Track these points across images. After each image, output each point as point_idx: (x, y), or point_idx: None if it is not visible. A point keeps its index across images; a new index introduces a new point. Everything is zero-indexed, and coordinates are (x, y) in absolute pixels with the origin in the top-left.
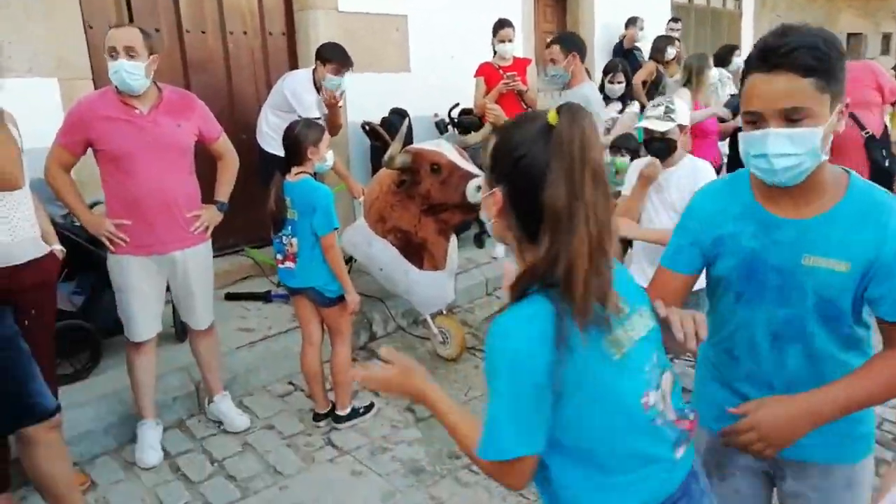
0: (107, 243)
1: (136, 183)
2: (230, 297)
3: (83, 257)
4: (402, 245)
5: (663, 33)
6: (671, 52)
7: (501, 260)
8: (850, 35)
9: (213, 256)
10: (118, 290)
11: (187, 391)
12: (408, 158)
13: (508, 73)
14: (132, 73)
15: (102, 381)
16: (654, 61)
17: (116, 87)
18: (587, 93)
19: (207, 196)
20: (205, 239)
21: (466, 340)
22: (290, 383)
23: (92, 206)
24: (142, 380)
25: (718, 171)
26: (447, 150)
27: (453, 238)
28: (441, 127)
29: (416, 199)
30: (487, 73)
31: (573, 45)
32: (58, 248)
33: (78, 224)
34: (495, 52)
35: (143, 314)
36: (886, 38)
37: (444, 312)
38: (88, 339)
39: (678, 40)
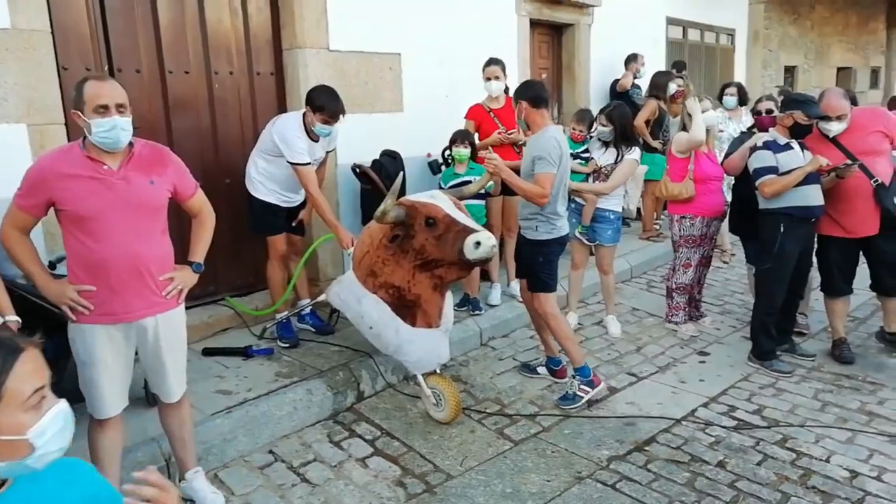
0: (67, 312)
1: (104, 246)
2: (207, 352)
3: (46, 320)
4: (393, 301)
5: (662, 69)
6: (672, 87)
7: (498, 308)
8: (839, 69)
9: (192, 306)
10: (81, 363)
11: (156, 466)
12: (402, 212)
13: (504, 131)
14: (126, 129)
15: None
16: (654, 98)
17: (100, 145)
18: (541, 138)
19: (180, 253)
20: (177, 304)
21: (462, 401)
22: (271, 452)
23: (58, 261)
24: (104, 460)
25: (722, 219)
26: (443, 202)
27: (449, 294)
28: (434, 167)
29: (409, 255)
30: (478, 115)
31: (519, 93)
32: (12, 319)
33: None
34: None
35: (108, 389)
36: (875, 72)
37: (437, 371)
38: None
39: (683, 76)
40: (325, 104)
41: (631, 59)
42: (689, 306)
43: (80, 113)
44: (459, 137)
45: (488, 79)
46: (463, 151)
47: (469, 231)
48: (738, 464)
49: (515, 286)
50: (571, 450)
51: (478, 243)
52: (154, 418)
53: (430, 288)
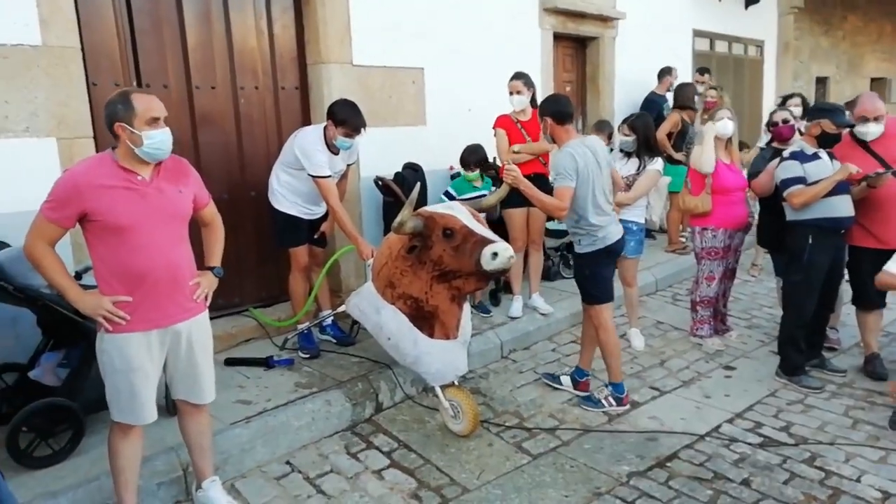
0: (103, 323)
1: (143, 256)
2: (230, 362)
3: (69, 328)
4: (411, 313)
5: (688, 81)
6: (696, 99)
7: (518, 321)
8: (873, 80)
9: (216, 317)
10: (114, 373)
11: (174, 475)
12: (419, 223)
13: (509, 168)
14: (171, 140)
15: (81, 465)
16: (678, 110)
17: (147, 157)
18: (558, 154)
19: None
20: (205, 308)
21: (480, 413)
22: (288, 463)
23: (84, 271)
24: (126, 469)
25: (747, 230)
26: (461, 213)
27: (466, 306)
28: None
29: (427, 266)
30: (506, 125)
31: (543, 109)
32: None
33: None
34: None
35: (147, 396)
36: None
37: (456, 383)
38: (71, 418)
39: (717, 87)
40: (346, 118)
41: (665, 73)
42: (715, 320)
43: (126, 125)
44: (471, 159)
45: (511, 93)
46: (470, 175)
47: (486, 242)
48: (763, 482)
49: (538, 299)
50: (591, 465)
51: (495, 254)
52: (172, 428)
53: (447, 299)
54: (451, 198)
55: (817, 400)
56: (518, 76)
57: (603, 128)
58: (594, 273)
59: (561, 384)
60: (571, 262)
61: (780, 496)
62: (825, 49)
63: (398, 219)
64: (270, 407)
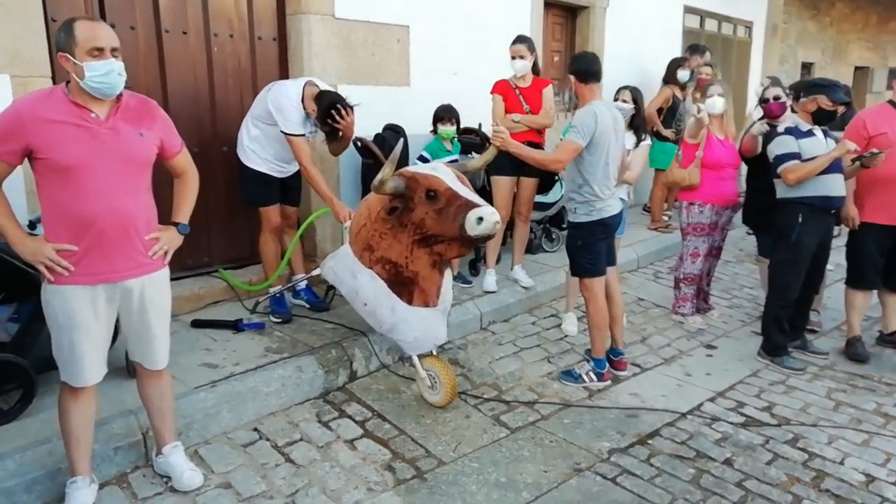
0: (45, 272)
1: (89, 200)
2: (197, 324)
3: (20, 280)
4: (390, 278)
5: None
6: (682, 75)
7: (500, 292)
8: (857, 68)
9: (183, 276)
10: (58, 328)
11: (132, 440)
12: (401, 183)
13: (497, 130)
14: (122, 75)
15: (31, 426)
16: (668, 86)
17: (94, 91)
18: (580, 112)
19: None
20: (163, 265)
21: (458, 384)
22: (256, 430)
23: (39, 221)
24: (77, 431)
25: (735, 209)
26: (445, 175)
27: (448, 273)
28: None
29: (408, 229)
30: (504, 91)
31: (570, 68)
32: None
33: None
34: None
35: (89, 356)
36: (893, 72)
37: (434, 353)
38: (21, 376)
39: (711, 65)
40: (325, 107)
41: (694, 51)
42: (697, 298)
43: (69, 55)
44: (445, 115)
45: (514, 57)
46: (448, 129)
47: (472, 205)
48: (746, 462)
49: (520, 271)
50: (570, 440)
51: (480, 219)
52: (132, 390)
53: (428, 265)
54: (425, 161)
55: (799, 381)
56: (521, 40)
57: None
58: (587, 245)
59: (585, 381)
60: (553, 236)
61: (764, 476)
62: (812, 34)
63: (379, 177)
64: (238, 371)
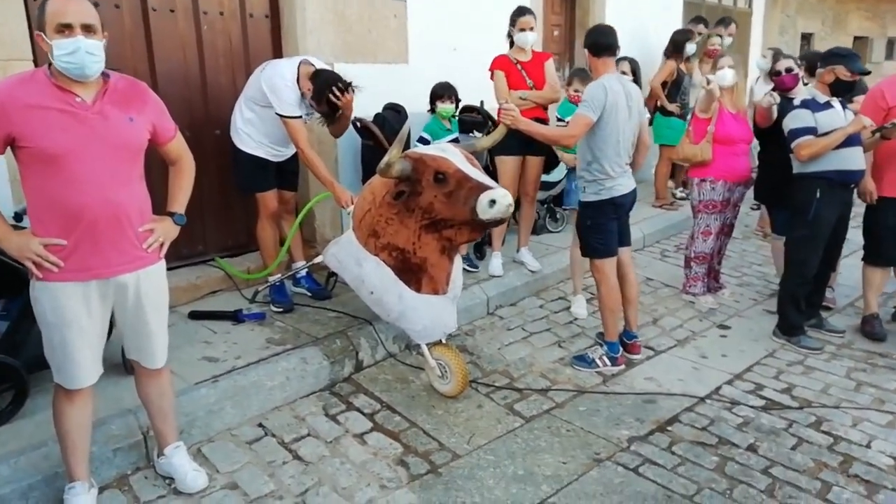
0: (32, 268)
1: (78, 191)
2: (194, 315)
3: (8, 275)
4: (397, 265)
5: (681, 28)
6: (690, 48)
7: (506, 275)
8: (855, 38)
9: (178, 266)
10: (48, 327)
11: (133, 440)
12: (408, 166)
13: (506, 107)
14: (94, 54)
15: (26, 428)
16: (672, 59)
17: (64, 71)
18: (590, 86)
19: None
20: (158, 258)
21: (469, 373)
22: (261, 426)
23: (24, 213)
24: (73, 435)
25: (748, 185)
26: (454, 156)
27: (458, 258)
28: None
29: (415, 213)
30: (505, 66)
31: (585, 42)
32: None
33: None
34: (512, 44)
35: (82, 355)
36: (892, 42)
37: (443, 341)
38: (12, 376)
39: (719, 35)
40: (320, 87)
41: (721, 23)
42: (708, 277)
43: (43, 34)
44: (444, 93)
45: (522, 29)
46: (447, 107)
47: (483, 188)
48: (770, 448)
49: (526, 253)
50: (588, 428)
51: (493, 201)
52: (130, 387)
53: (437, 251)
54: (425, 143)
55: (817, 361)
56: (527, 11)
57: (584, 76)
58: (597, 224)
59: (598, 366)
60: (558, 216)
61: (790, 463)
62: (812, 4)
63: (385, 160)
64: (240, 365)
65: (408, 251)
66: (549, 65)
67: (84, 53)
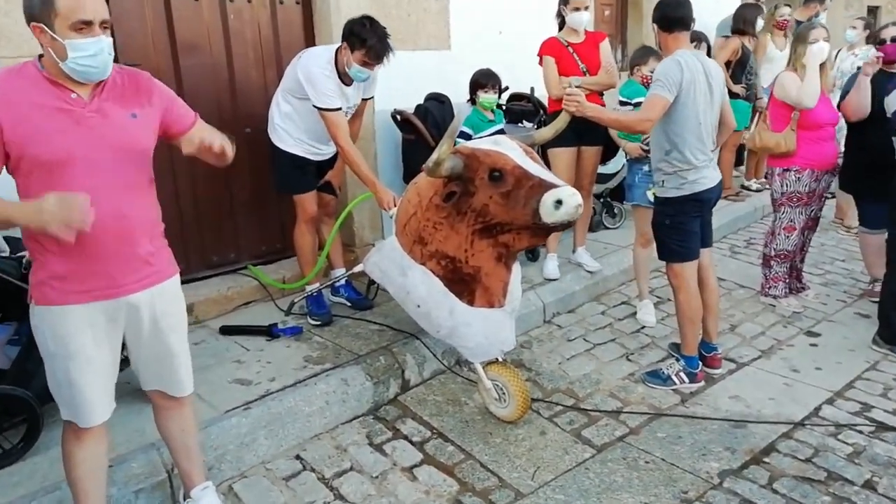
0: (65, 236)
1: None
2: (226, 330)
3: (15, 297)
4: (447, 275)
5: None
6: (760, 23)
7: (563, 279)
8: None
9: (208, 276)
10: (50, 357)
11: (156, 479)
12: (459, 163)
13: (570, 92)
14: (111, 54)
15: (40, 467)
16: (737, 36)
17: (76, 74)
18: (662, 63)
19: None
20: (173, 272)
21: (529, 394)
22: (298, 458)
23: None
24: (86, 481)
25: (835, 173)
26: (511, 150)
27: (516, 267)
28: None
29: (467, 217)
30: (555, 50)
31: (653, 15)
32: None
33: (5, 256)
34: (562, 25)
35: (91, 389)
36: None
37: (500, 359)
38: (23, 408)
39: (788, 5)
40: (368, 40)
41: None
42: (790, 277)
43: (46, 27)
44: (486, 81)
45: (576, 9)
46: (490, 97)
47: (547, 186)
48: (892, 484)
49: (584, 254)
50: (670, 460)
51: (559, 202)
52: (153, 418)
53: (492, 259)
54: (466, 139)
55: None
56: None
57: (648, 54)
58: (676, 224)
59: (675, 383)
60: (615, 211)
61: None
62: None
63: (434, 157)
64: (275, 388)
65: (459, 259)
66: (605, 46)
67: (106, 55)
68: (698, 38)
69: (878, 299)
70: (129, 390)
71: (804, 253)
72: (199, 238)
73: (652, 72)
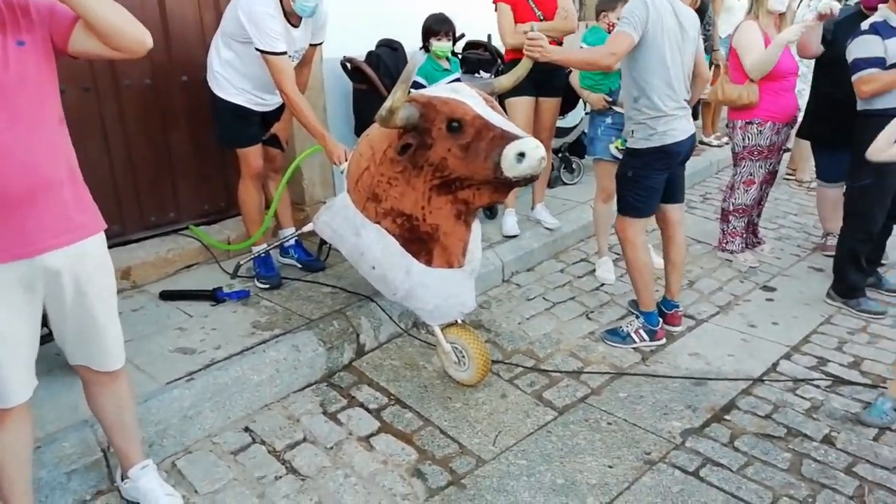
0: None
1: None
2: (166, 295)
3: None
4: (403, 234)
5: None
6: None
7: (520, 237)
8: None
9: (146, 238)
10: None
11: (91, 459)
12: (414, 112)
13: (532, 36)
14: None
15: None
16: None
17: None
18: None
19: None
20: (98, 229)
21: (490, 356)
22: (247, 430)
23: None
24: (9, 467)
25: (794, 124)
26: (470, 98)
27: (476, 225)
28: None
29: (424, 171)
30: None
31: None
32: None
33: None
34: None
35: (7, 367)
36: None
37: (459, 322)
38: None
39: None
40: None
41: None
42: (746, 231)
43: None
44: (440, 28)
45: None
46: (444, 46)
47: (509, 137)
48: (850, 439)
49: (542, 210)
50: (632, 420)
51: (521, 154)
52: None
53: (451, 216)
54: (420, 88)
55: (881, 327)
56: None
57: (615, 2)
58: (638, 177)
59: (635, 341)
60: (574, 166)
61: (876, 459)
62: None
63: (387, 104)
64: (221, 357)
65: (416, 217)
66: None
67: None
68: None
69: (831, 253)
70: (60, 363)
71: (761, 208)
72: (135, 197)
73: (620, 18)
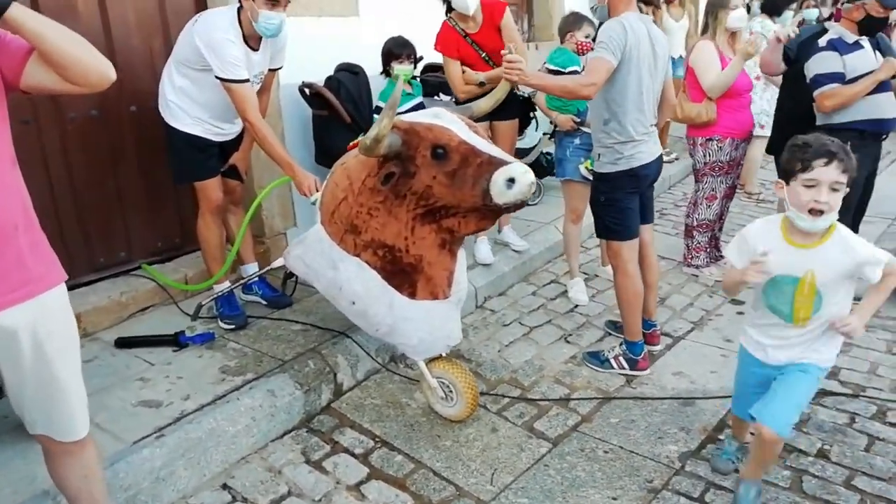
0: None
1: None
2: (122, 342)
3: None
4: (385, 267)
5: None
6: None
7: (493, 266)
8: None
9: (95, 281)
10: None
11: None
12: (397, 139)
13: (511, 58)
14: None
15: None
16: (642, 4)
17: None
18: (607, 24)
19: None
20: (59, 279)
21: (478, 390)
22: (226, 487)
23: None
24: None
25: (748, 140)
26: (453, 123)
27: (461, 254)
28: None
29: (407, 201)
30: (453, 44)
31: None
32: None
33: None
34: (450, 8)
35: None
36: None
37: (443, 355)
38: None
39: None
40: None
41: None
42: (710, 246)
43: None
44: (401, 51)
45: None
46: (406, 69)
47: (497, 164)
48: (843, 452)
49: (510, 233)
50: (629, 447)
51: (511, 181)
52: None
53: (436, 246)
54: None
55: None
56: None
57: (581, 20)
58: (612, 200)
59: (613, 367)
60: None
61: (871, 470)
62: None
63: (372, 133)
64: (191, 409)
65: (398, 248)
66: (507, 20)
67: None
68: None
69: None
70: (9, 426)
71: (722, 222)
72: (81, 236)
73: (587, 37)
